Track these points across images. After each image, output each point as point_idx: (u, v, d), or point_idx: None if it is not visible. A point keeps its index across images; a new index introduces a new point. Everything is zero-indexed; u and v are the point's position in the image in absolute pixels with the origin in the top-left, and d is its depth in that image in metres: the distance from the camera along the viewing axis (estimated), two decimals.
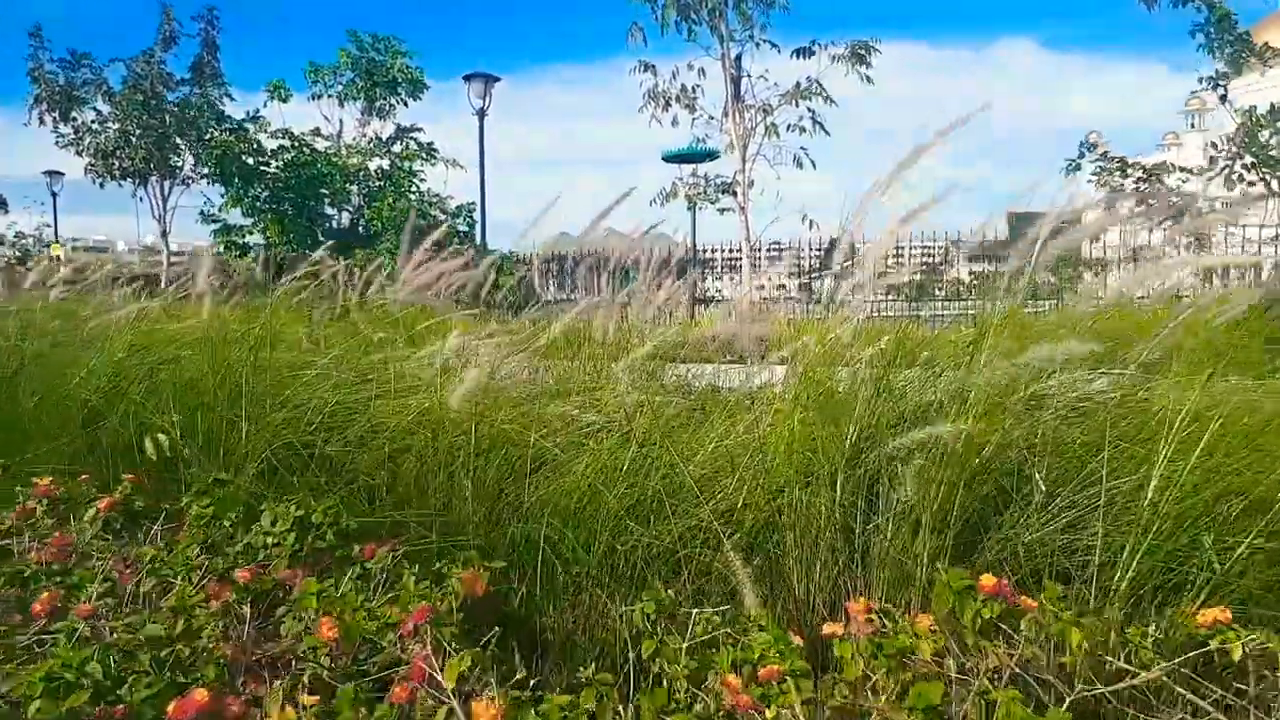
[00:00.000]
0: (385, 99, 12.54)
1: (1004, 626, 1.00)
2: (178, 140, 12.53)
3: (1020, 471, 1.53)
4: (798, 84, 9.04)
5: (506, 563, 1.66)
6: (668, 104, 9.34)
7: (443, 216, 11.96)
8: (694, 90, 9.36)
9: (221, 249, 12.26)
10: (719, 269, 12.14)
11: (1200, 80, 8.44)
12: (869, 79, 8.95)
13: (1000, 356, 1.47)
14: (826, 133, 9.14)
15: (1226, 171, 8.10)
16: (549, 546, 1.63)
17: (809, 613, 1.49)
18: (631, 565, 1.61)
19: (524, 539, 1.67)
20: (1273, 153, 8.04)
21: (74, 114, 12.63)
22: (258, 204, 12.07)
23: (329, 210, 12.66)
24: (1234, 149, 8.24)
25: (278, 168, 12.17)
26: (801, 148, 9.20)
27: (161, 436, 2.15)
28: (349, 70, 12.44)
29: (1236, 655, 0.97)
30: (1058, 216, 1.61)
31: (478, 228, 11.98)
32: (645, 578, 1.55)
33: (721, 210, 9.97)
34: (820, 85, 9.02)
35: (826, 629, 1.19)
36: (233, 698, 0.96)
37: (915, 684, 0.88)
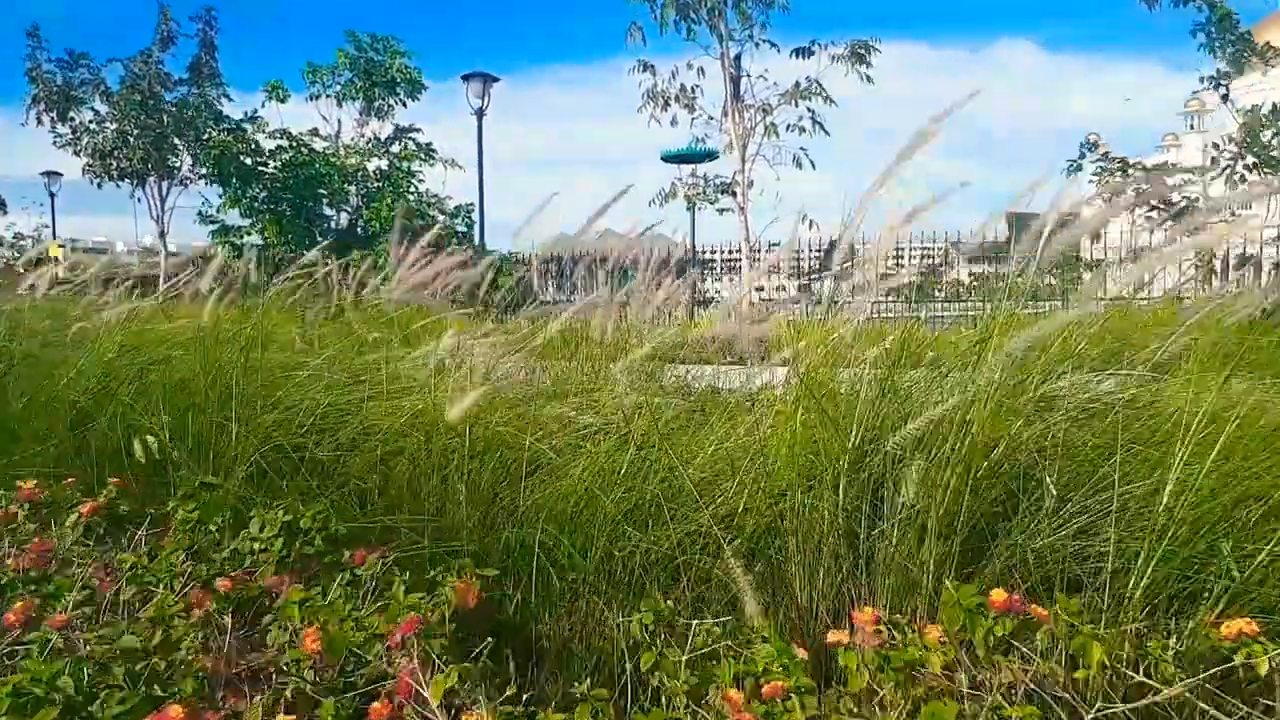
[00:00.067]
0: (383, 99, 12.50)
1: (1016, 643, 0.96)
2: (175, 140, 12.49)
3: (1029, 475, 1.48)
4: (797, 84, 9.01)
5: (501, 569, 1.62)
6: (667, 104, 9.31)
7: (441, 217, 11.92)
8: (693, 90, 9.33)
9: (220, 250, 12.22)
10: (719, 270, 12.11)
11: (1202, 80, 8.41)
12: (869, 78, 8.92)
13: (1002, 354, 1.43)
14: (826, 132, 9.11)
15: (1228, 171, 8.07)
16: (545, 552, 1.59)
17: (812, 620, 1.45)
18: (629, 571, 1.56)
19: (519, 544, 1.62)
20: (1274, 153, 8.00)
21: (72, 114, 12.59)
22: (256, 204, 12.03)
23: (327, 211, 12.62)
24: (1236, 149, 8.21)
25: (276, 168, 12.14)
26: (801, 148, 9.18)
27: (150, 439, 2.11)
28: (347, 70, 12.41)
29: (1263, 670, 0.92)
30: (1058, 213, 1.58)
31: (476, 228, 11.94)
32: (644, 585, 1.51)
33: (721, 211, 9.95)
34: (820, 85, 8.99)
35: (831, 637, 1.15)
36: (211, 713, 0.92)
37: (928, 702, 0.84)
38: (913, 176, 1.63)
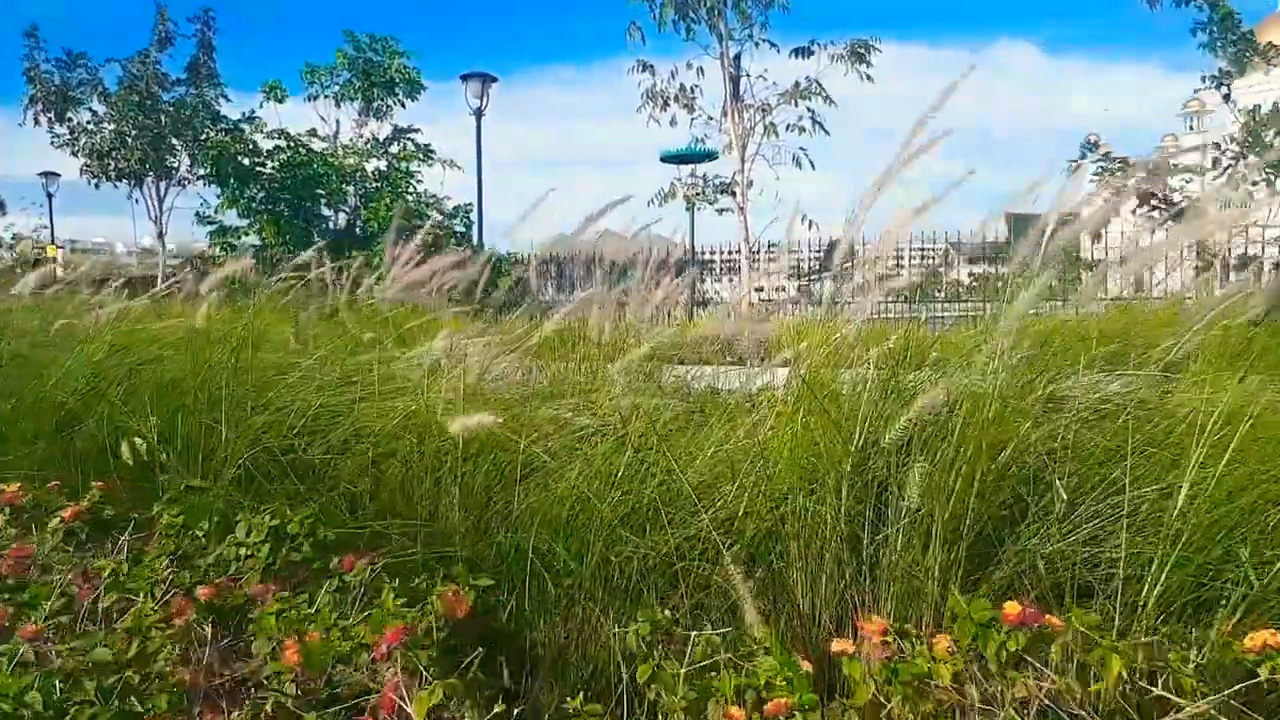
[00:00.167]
0: (382, 99, 12.46)
1: (1028, 657, 0.92)
2: (173, 141, 12.45)
3: (1037, 478, 1.44)
4: (797, 84, 8.97)
5: (495, 574, 1.57)
6: (666, 104, 9.27)
7: (440, 217, 11.87)
8: (692, 90, 9.29)
9: (218, 251, 12.18)
10: (718, 270, 12.07)
11: (1204, 79, 8.37)
12: (869, 78, 8.88)
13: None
14: (826, 132, 9.07)
15: (1230, 171, 8.03)
16: (540, 558, 1.55)
17: (814, 628, 1.40)
18: (626, 577, 1.52)
19: (513, 549, 1.58)
20: (1276, 153, 7.97)
21: (69, 114, 12.54)
22: (253, 205, 11.98)
23: (325, 211, 12.57)
24: (1238, 149, 8.17)
25: (273, 168, 12.09)
26: (801, 148, 9.13)
27: (138, 440, 2.07)
28: (345, 70, 12.36)
29: None
30: (1059, 213, 1.55)
31: (475, 228, 11.90)
32: (641, 591, 1.47)
33: (720, 211, 9.90)
34: (820, 85, 8.95)
35: (835, 646, 1.11)
36: None
37: (938, 718, 0.80)
38: (914, 177, 1.60)
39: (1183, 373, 1.52)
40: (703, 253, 11.69)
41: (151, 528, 1.59)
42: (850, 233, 1.79)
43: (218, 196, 12.25)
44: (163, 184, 12.83)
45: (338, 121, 12.68)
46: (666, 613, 1.15)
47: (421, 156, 12.57)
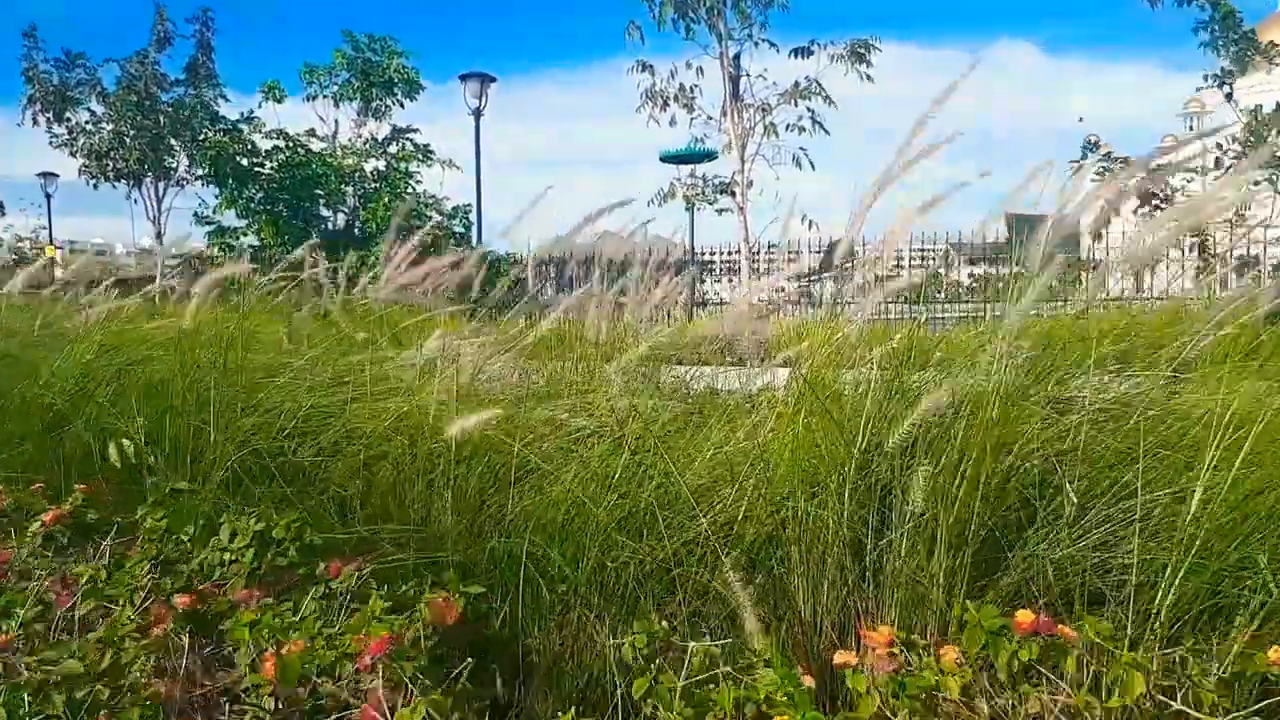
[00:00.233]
0: (381, 100, 12.43)
1: (1040, 668, 0.88)
2: (172, 141, 12.43)
3: (1045, 482, 1.40)
4: (796, 83, 8.94)
5: (488, 580, 1.53)
6: (666, 103, 9.24)
7: (438, 217, 11.83)
8: (692, 90, 9.26)
9: (216, 251, 12.15)
10: (718, 271, 12.02)
11: (1206, 78, 8.34)
12: (869, 77, 8.85)
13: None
14: (826, 132, 9.04)
15: (1232, 171, 7.99)
16: (534, 563, 1.51)
17: (816, 637, 1.36)
18: (623, 583, 1.48)
19: (507, 554, 1.54)
20: (1278, 153, 7.93)
21: (68, 114, 12.52)
22: (252, 205, 11.95)
23: (324, 212, 12.54)
24: (1239, 149, 8.14)
25: (272, 169, 12.06)
26: (801, 148, 9.10)
27: (125, 442, 2.03)
28: (344, 70, 12.33)
29: None
30: (1058, 212, 1.51)
31: (474, 229, 11.86)
32: (637, 598, 1.43)
33: (720, 211, 9.87)
34: (819, 85, 8.92)
35: (838, 658, 1.07)
36: None
37: None
38: (915, 181, 1.57)
39: (1194, 373, 1.48)
40: (702, 253, 11.65)
41: (136, 532, 1.55)
42: (851, 233, 1.75)
43: (216, 197, 12.23)
44: (161, 184, 12.80)
45: (336, 122, 12.66)
46: (663, 624, 1.11)
47: (420, 157, 12.54)
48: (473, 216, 11.97)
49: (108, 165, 12.47)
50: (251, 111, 12.44)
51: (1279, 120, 8.03)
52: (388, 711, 0.82)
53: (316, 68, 12.44)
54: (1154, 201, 8.02)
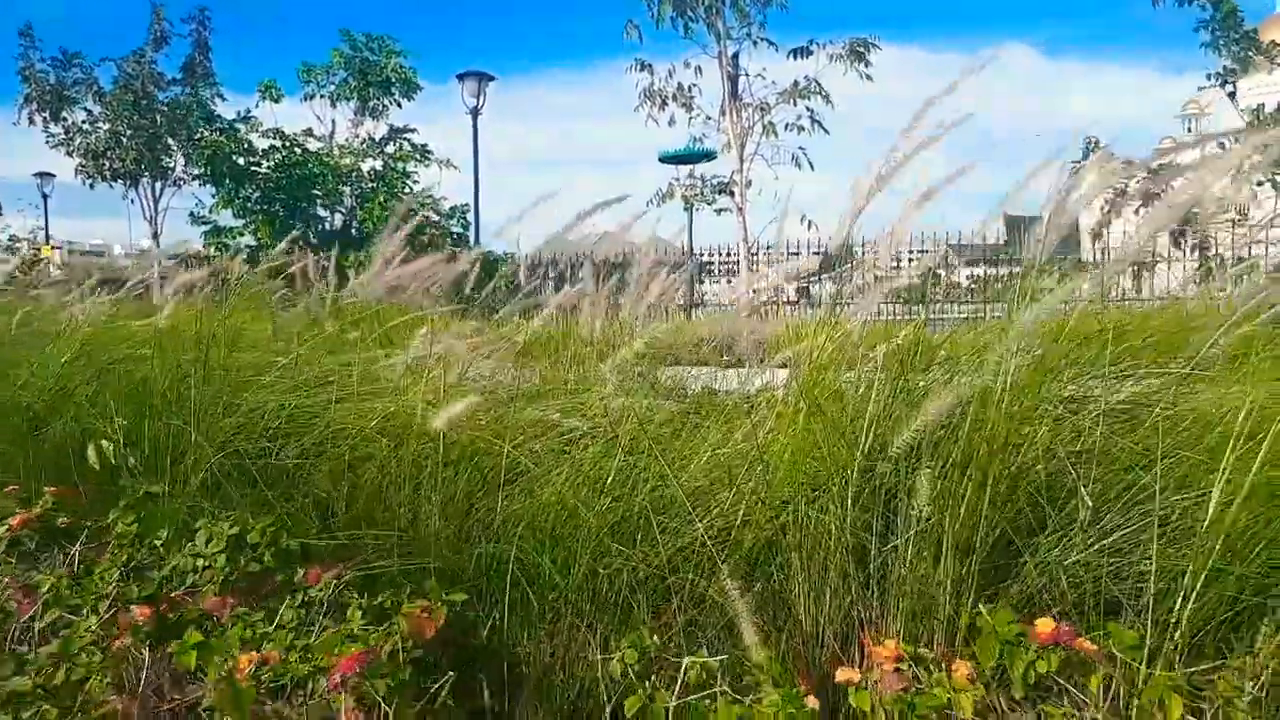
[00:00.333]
0: (378, 99, 12.38)
1: (1060, 680, 0.82)
2: (169, 141, 12.37)
3: (1056, 484, 1.34)
4: (796, 83, 8.88)
5: (475, 587, 1.47)
6: (664, 103, 9.17)
7: (436, 217, 11.78)
8: (690, 89, 9.20)
9: (213, 251, 12.09)
10: (717, 272, 11.95)
11: (1209, 76, 8.29)
12: (868, 77, 8.79)
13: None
14: (826, 131, 8.98)
15: (1235, 172, 7.92)
16: (523, 570, 1.44)
17: (817, 647, 1.30)
18: (616, 591, 1.42)
19: (495, 561, 1.48)
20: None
21: (64, 114, 12.47)
22: (249, 205, 11.89)
23: (321, 212, 12.48)
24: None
25: (269, 168, 12.00)
26: (800, 148, 9.04)
27: (105, 443, 1.96)
28: (342, 70, 12.28)
29: None
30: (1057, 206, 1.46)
31: (472, 229, 11.81)
32: (631, 606, 1.36)
33: (719, 211, 9.81)
34: (818, 84, 8.86)
35: (841, 675, 1.01)
36: None
37: None
38: (913, 182, 1.51)
39: (1211, 372, 1.42)
40: (701, 254, 11.59)
41: (107, 536, 1.49)
42: (848, 223, 1.70)
43: (213, 197, 12.18)
44: (158, 184, 12.75)
45: (334, 121, 12.61)
46: (655, 638, 1.04)
47: (418, 157, 12.49)
48: (470, 216, 11.92)
49: (104, 165, 12.42)
50: (249, 111, 12.40)
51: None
52: None
53: (314, 67, 12.39)
54: (1154, 204, 7.94)
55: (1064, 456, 1.29)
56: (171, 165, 12.72)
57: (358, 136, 12.55)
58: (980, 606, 0.94)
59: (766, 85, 9.06)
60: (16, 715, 0.82)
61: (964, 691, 0.83)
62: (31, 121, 12.45)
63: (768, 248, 9.85)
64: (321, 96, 12.40)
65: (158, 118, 12.29)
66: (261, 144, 12.17)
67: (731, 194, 9.39)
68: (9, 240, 18.35)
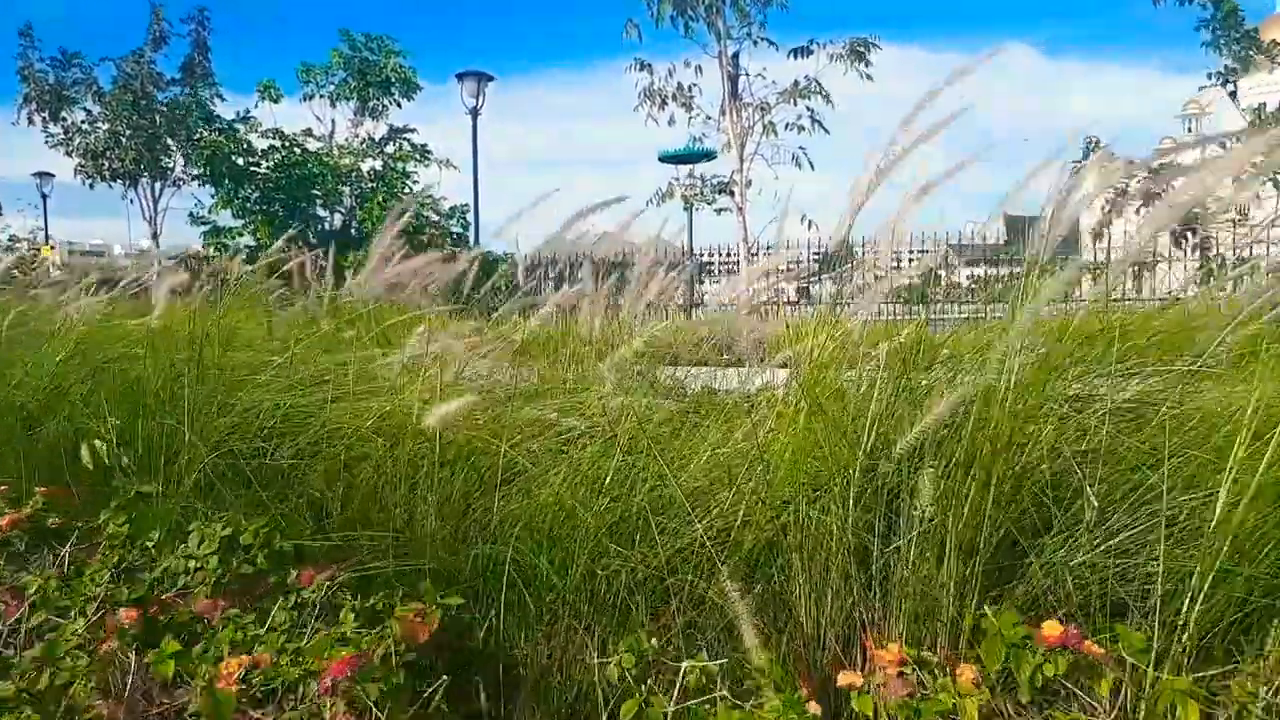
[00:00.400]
0: (378, 99, 12.37)
1: (1067, 685, 0.80)
2: (168, 140, 12.36)
3: (1061, 484, 1.32)
4: (796, 82, 8.87)
5: (472, 588, 1.45)
6: (664, 102, 9.16)
7: (435, 217, 11.76)
8: (690, 88, 9.19)
9: (212, 251, 12.07)
10: (717, 272, 11.93)
11: (1210, 75, 8.27)
12: (869, 77, 8.78)
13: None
14: (826, 130, 8.97)
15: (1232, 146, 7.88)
16: (520, 571, 1.42)
17: (818, 649, 1.28)
18: (614, 592, 1.40)
19: (492, 561, 1.46)
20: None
21: (64, 114, 12.46)
22: (248, 205, 11.88)
23: (321, 212, 12.47)
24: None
25: (268, 168, 11.99)
26: (800, 147, 9.03)
27: (98, 443, 1.94)
28: (341, 70, 12.27)
29: None
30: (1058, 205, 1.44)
31: (471, 229, 11.79)
32: (629, 608, 1.34)
33: (719, 211, 9.80)
34: (819, 84, 8.85)
35: (843, 680, 0.99)
36: None
37: None
38: (913, 173, 1.50)
39: (1218, 370, 1.40)
40: (701, 254, 11.57)
41: (100, 537, 1.47)
42: (847, 219, 1.68)
43: (212, 197, 12.17)
44: (157, 184, 12.74)
45: (333, 121, 12.60)
46: (653, 641, 1.02)
47: (418, 157, 12.48)
48: (470, 217, 11.90)
49: (103, 165, 12.42)
50: (248, 111, 12.39)
51: None
52: None
53: (313, 67, 12.38)
54: (1155, 203, 7.92)
55: (1069, 456, 1.27)
56: (171, 165, 12.71)
57: (357, 136, 12.55)
58: (986, 609, 0.92)
59: (767, 85, 9.07)
60: None
61: (969, 696, 0.81)
62: (31, 121, 12.45)
63: (768, 248, 9.83)
64: (321, 96, 12.40)
65: (157, 118, 12.28)
66: (261, 144, 12.17)
67: (731, 194, 9.38)
68: (9, 240, 18.35)
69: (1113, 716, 0.79)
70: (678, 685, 0.93)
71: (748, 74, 9.09)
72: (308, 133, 12.49)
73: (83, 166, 12.45)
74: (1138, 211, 8.08)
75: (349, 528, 1.56)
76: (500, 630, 1.41)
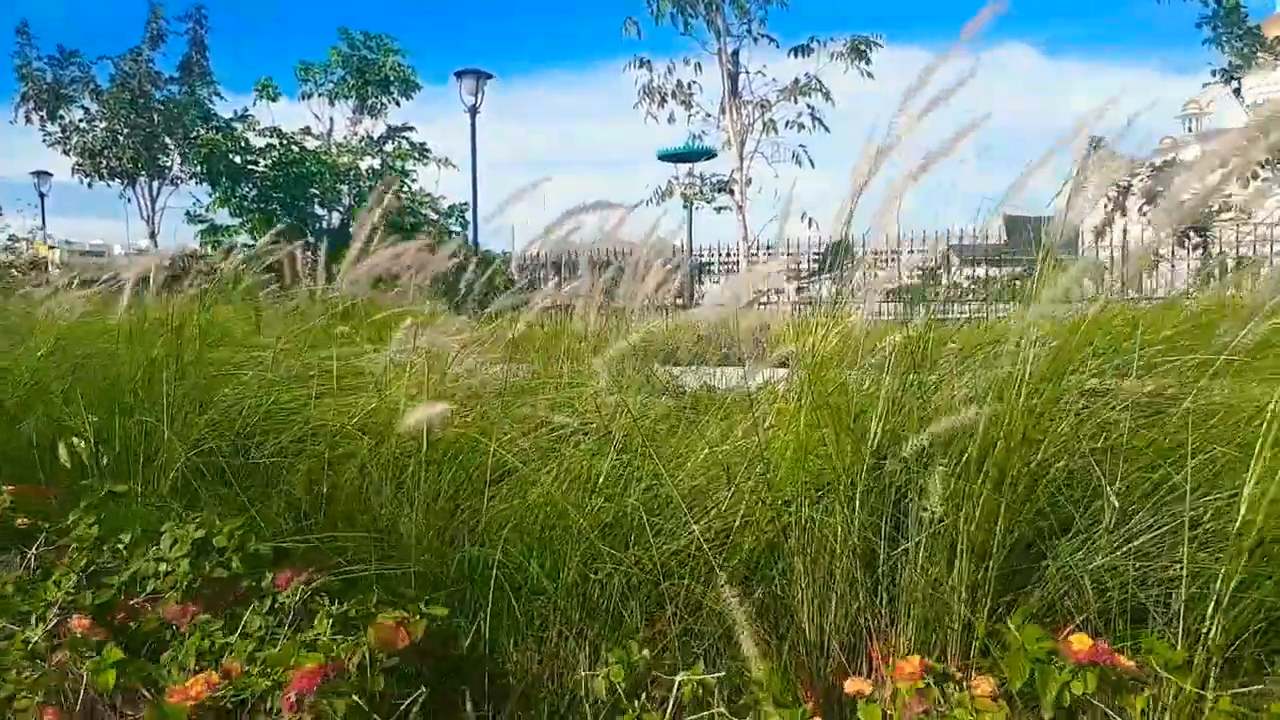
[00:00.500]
0: (377, 97, 12.31)
1: (1095, 702, 0.73)
2: (166, 139, 12.31)
3: (1077, 483, 1.26)
4: (796, 80, 8.81)
5: (459, 592, 1.39)
6: (664, 100, 9.11)
7: (434, 216, 11.70)
8: (690, 86, 9.13)
9: (209, 250, 12.01)
10: (716, 272, 11.86)
11: (1213, 73, 8.21)
12: (869, 74, 8.72)
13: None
14: (826, 129, 8.90)
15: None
16: (509, 574, 1.36)
17: (821, 658, 1.22)
18: (607, 596, 1.33)
19: (480, 564, 1.39)
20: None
21: (61, 112, 12.40)
22: (245, 204, 11.82)
23: (319, 210, 12.40)
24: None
25: (266, 167, 11.93)
26: (801, 145, 8.97)
27: (76, 440, 1.88)
28: (340, 68, 12.21)
29: None
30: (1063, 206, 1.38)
31: (470, 228, 11.73)
32: (623, 615, 1.28)
33: (719, 209, 9.74)
34: (819, 81, 8.79)
35: (851, 687, 0.92)
36: None
37: None
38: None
39: (1242, 363, 1.33)
40: (700, 254, 11.51)
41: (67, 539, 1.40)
42: (848, 205, 1.62)
43: (209, 195, 12.11)
44: (155, 183, 12.69)
45: (331, 120, 12.54)
46: (645, 652, 0.96)
47: (416, 155, 12.42)
48: (469, 215, 11.85)
49: (101, 164, 12.36)
50: (246, 109, 12.33)
51: None
52: None
53: (312, 65, 12.32)
54: (1157, 202, 7.86)
55: (1087, 453, 1.21)
56: (168, 164, 12.65)
57: (355, 135, 12.49)
58: (1009, 621, 0.85)
59: (767, 83, 9.01)
60: None
61: (988, 712, 0.75)
62: (28, 120, 12.39)
63: (768, 247, 9.76)
64: (320, 95, 12.34)
65: (155, 116, 12.22)
66: (258, 142, 12.10)
67: (731, 192, 9.32)
68: (9, 240, 18.27)
69: None
70: (672, 699, 0.87)
71: (748, 71, 9.04)
72: (306, 131, 12.43)
73: (80, 165, 12.39)
74: (1140, 210, 8.01)
75: (332, 529, 1.50)
76: (488, 636, 1.35)
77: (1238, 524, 1.09)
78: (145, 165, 12.39)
